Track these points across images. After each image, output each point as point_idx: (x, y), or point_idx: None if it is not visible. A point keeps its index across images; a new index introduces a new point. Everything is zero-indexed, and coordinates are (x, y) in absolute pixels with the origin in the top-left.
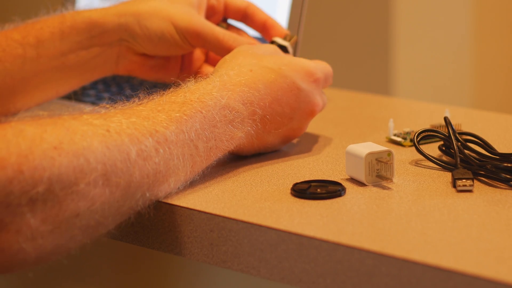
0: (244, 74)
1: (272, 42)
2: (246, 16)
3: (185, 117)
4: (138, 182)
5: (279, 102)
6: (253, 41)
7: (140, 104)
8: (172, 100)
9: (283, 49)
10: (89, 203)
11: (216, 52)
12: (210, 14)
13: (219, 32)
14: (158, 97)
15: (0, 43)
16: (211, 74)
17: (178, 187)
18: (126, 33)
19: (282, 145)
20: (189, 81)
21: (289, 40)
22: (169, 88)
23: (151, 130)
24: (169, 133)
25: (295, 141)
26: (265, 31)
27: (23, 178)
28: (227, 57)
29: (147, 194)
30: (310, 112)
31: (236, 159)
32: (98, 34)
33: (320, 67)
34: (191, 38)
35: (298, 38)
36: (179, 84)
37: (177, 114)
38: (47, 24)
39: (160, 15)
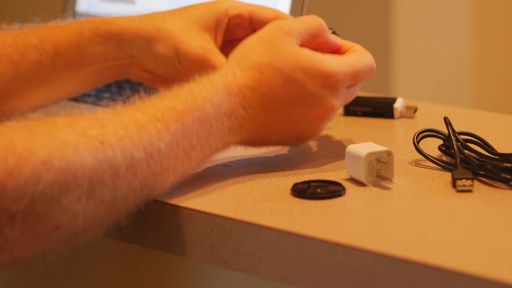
0: (252, 76)
1: None
2: None
3: (182, 128)
4: (123, 197)
5: (286, 107)
6: None
7: (138, 108)
8: (173, 106)
9: None
10: (71, 217)
11: None
12: (234, 31)
13: (219, 63)
14: (159, 100)
15: (18, 46)
16: (219, 70)
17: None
18: (138, 54)
19: (295, 144)
20: (193, 79)
21: None
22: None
23: (146, 143)
24: (163, 146)
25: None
26: None
27: (6, 195)
28: (246, 43)
29: (131, 208)
30: (322, 117)
31: (237, 160)
32: (114, 50)
33: (345, 68)
34: (192, 69)
35: None
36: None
37: (175, 125)
38: (65, 33)
39: (167, 43)
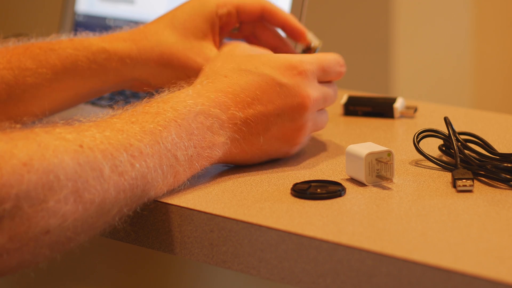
0: (219, 80)
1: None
2: (264, 20)
3: (159, 128)
4: (113, 198)
5: (259, 101)
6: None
7: (114, 116)
8: (146, 111)
9: None
10: (60, 220)
11: None
12: (223, 27)
13: None
14: (132, 108)
15: (13, 69)
16: (187, 85)
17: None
18: (141, 77)
19: (290, 148)
20: (163, 91)
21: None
22: (143, 98)
23: (126, 144)
24: (143, 146)
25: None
26: (285, 33)
27: None
28: (207, 64)
29: (125, 210)
30: (300, 106)
31: None
32: (113, 77)
33: (309, 59)
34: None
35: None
36: (153, 95)
37: (151, 126)
38: (60, 59)
39: (173, 66)
